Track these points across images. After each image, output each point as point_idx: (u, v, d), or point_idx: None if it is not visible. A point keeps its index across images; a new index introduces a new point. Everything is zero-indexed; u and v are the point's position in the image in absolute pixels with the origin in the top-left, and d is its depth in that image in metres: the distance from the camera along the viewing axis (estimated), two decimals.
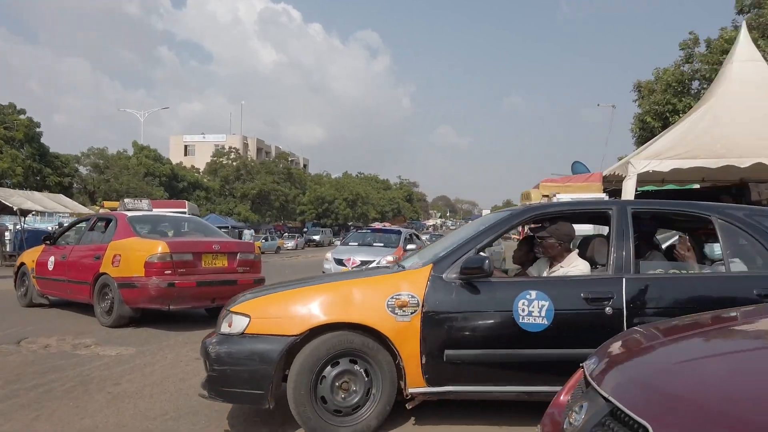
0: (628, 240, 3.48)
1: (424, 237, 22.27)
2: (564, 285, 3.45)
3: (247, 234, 32.78)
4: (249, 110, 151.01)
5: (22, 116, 28.23)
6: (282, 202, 54.78)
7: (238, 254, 7.14)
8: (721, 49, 15.41)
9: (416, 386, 3.30)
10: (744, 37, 9.27)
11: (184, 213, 20.69)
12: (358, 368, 3.28)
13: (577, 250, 3.87)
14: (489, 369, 3.32)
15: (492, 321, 3.31)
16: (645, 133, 16.52)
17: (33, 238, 17.28)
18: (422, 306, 3.26)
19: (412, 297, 3.26)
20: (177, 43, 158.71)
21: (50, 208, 21.63)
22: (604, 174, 9.67)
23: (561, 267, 3.72)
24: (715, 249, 3.88)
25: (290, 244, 40.85)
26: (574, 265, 3.67)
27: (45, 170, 29.03)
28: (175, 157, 56.85)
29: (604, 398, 1.54)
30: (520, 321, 3.25)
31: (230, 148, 55.99)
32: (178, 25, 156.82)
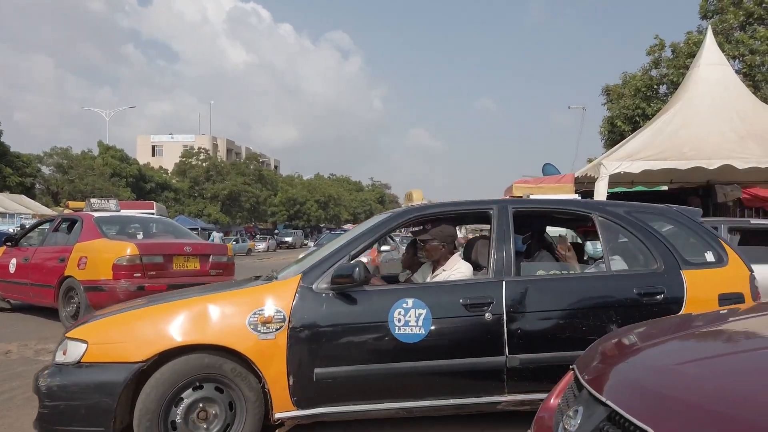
0: (509, 241, 3.35)
1: (397, 239, 22.14)
2: (442, 291, 3.28)
3: (216, 237, 31.80)
4: (219, 111, 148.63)
5: None
6: (253, 204, 54.16)
7: (211, 256, 6.97)
8: (688, 53, 15.81)
9: (284, 410, 3.00)
10: (710, 42, 9.51)
11: (152, 214, 20.30)
12: (223, 396, 2.95)
13: (459, 252, 3.73)
14: (365, 386, 3.07)
15: (366, 334, 3.07)
16: (614, 136, 16.83)
17: None
18: (289, 321, 2.97)
19: (278, 312, 2.98)
20: (143, 42, 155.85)
21: (11, 209, 21.07)
22: (576, 175, 9.79)
23: (443, 270, 3.58)
24: (598, 247, 3.84)
25: (261, 245, 40.41)
26: (456, 268, 3.53)
27: (6, 170, 28.16)
28: (143, 157, 55.60)
29: (601, 402, 1.50)
30: (396, 332, 3.03)
31: (199, 148, 55.04)
32: (145, 23, 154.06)
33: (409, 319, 3.05)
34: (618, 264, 3.56)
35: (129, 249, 6.23)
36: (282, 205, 63.64)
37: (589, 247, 3.91)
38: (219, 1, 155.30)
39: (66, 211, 8.70)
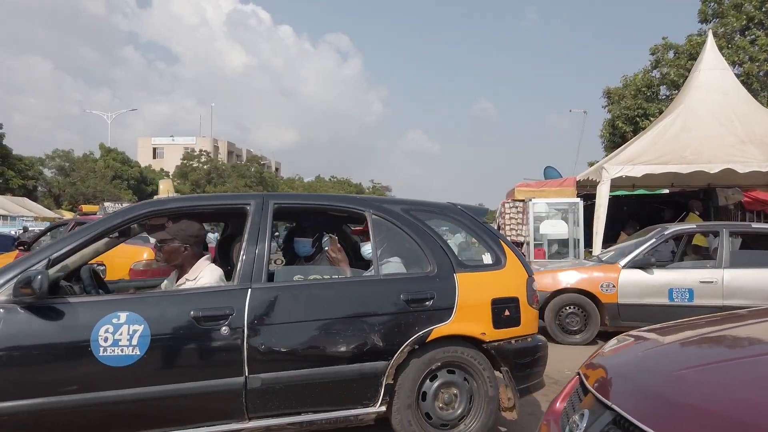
0: (263, 242, 2.94)
1: None
2: (169, 302, 2.77)
3: (212, 238, 31.76)
4: (219, 113, 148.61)
5: None
6: None
7: None
8: (689, 53, 15.97)
9: None
10: (710, 46, 9.65)
11: None
12: None
13: (207, 255, 3.16)
14: (53, 423, 2.51)
15: (59, 358, 2.51)
16: (615, 138, 16.98)
17: None
18: None
19: None
20: (143, 44, 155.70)
21: (13, 212, 21.07)
22: (578, 179, 9.93)
23: (187, 280, 3.00)
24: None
25: None
26: (201, 276, 2.97)
27: (8, 173, 28.20)
28: (144, 159, 55.68)
29: (607, 406, 1.56)
30: (101, 354, 2.50)
31: (201, 150, 55.22)
32: (144, 26, 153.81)
33: (120, 338, 2.53)
34: (394, 267, 3.22)
35: (146, 253, 6.33)
36: None
37: (366, 248, 3.52)
38: (218, 2, 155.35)
39: (78, 216, 8.81)
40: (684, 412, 1.38)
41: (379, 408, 2.91)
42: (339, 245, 3.52)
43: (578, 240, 9.13)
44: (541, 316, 5.89)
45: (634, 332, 2.23)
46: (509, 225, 10.90)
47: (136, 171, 42.22)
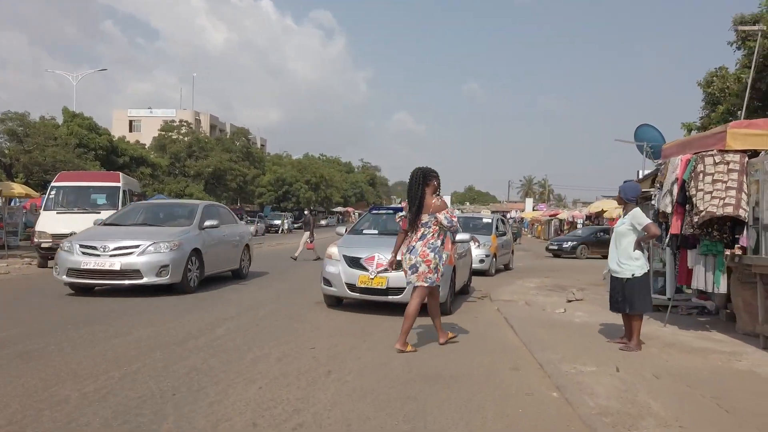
0: None
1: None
2: None
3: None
4: (202, 91, 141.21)
5: None
6: (239, 183, 49.19)
7: None
8: None
9: None
10: None
11: (118, 187, 15.50)
12: None
13: None
14: None
15: None
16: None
17: None
18: None
19: None
20: (121, 18, 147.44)
21: None
22: None
23: None
24: None
25: (251, 229, 35.53)
26: None
27: None
28: (119, 132, 49.66)
29: None
30: None
31: (181, 121, 49.89)
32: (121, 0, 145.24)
33: None
34: None
35: None
36: (270, 186, 58.86)
37: None
38: None
39: None
40: None
41: None
42: None
43: None
44: None
45: None
46: (712, 192, 6.39)
47: (105, 140, 36.25)
